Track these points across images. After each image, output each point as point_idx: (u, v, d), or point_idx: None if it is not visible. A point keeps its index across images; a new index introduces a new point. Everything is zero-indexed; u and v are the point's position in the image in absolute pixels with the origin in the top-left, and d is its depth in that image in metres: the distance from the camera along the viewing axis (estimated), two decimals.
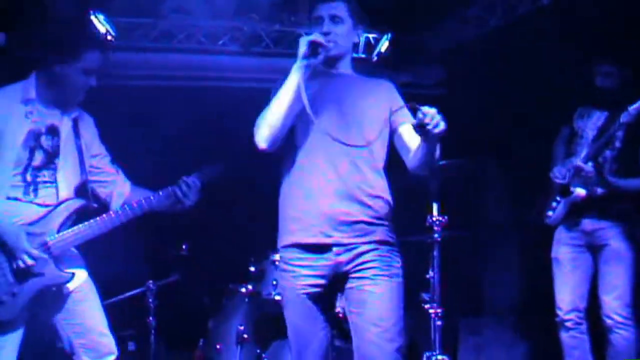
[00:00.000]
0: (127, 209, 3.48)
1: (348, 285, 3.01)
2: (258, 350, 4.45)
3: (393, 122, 3.15)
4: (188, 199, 3.58)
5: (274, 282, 4.30)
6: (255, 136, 3.02)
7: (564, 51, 4.70)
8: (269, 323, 4.59)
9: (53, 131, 3.48)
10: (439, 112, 2.77)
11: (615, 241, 4.24)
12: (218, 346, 4.52)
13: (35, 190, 3.42)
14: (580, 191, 4.27)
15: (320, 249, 2.98)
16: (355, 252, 2.97)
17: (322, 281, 3.00)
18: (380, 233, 3.02)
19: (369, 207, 3.00)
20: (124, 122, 5.08)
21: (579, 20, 4.61)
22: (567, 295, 4.37)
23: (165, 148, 5.43)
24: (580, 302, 4.35)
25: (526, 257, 5.69)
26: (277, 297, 4.28)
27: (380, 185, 3.06)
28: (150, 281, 4.56)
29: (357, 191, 2.99)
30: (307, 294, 3.00)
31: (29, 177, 3.40)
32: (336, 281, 3.02)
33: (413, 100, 2.94)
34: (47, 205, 3.41)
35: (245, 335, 4.44)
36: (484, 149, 6.05)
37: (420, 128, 2.82)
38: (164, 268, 4.80)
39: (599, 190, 4.21)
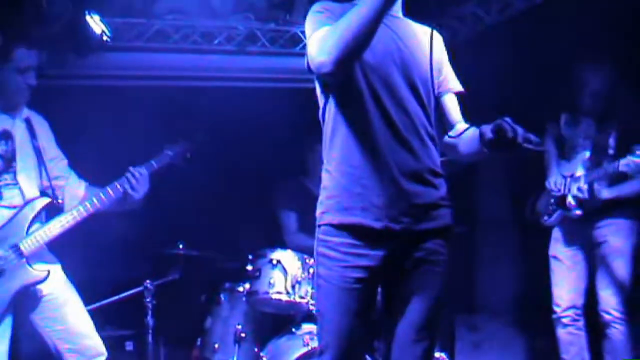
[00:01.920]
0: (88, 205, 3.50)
1: (396, 276, 2.58)
2: (256, 349, 4.46)
3: (438, 85, 2.73)
4: (136, 191, 3.58)
5: (271, 281, 4.29)
6: (316, 58, 2.44)
7: (558, 48, 4.71)
8: (267, 321, 4.60)
9: (6, 135, 3.49)
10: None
11: (613, 238, 4.26)
12: (216, 345, 4.51)
13: (0, 194, 3.42)
14: (577, 212, 4.29)
15: (382, 235, 2.52)
16: (422, 241, 2.56)
17: (378, 275, 2.55)
18: (448, 217, 2.64)
19: (436, 186, 2.60)
20: (119, 122, 5.08)
21: (573, 18, 4.61)
22: (565, 292, 4.39)
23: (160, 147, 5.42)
24: (578, 299, 4.37)
25: (523, 253, 5.70)
26: (274, 296, 4.28)
27: (439, 162, 2.66)
28: (148, 281, 4.55)
29: (426, 168, 2.57)
30: (358, 289, 2.52)
31: None
32: (387, 269, 2.57)
33: None
34: (14, 207, 3.43)
35: (243, 334, 4.44)
36: None
37: (492, 140, 2.37)
38: (161, 267, 4.80)
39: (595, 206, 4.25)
